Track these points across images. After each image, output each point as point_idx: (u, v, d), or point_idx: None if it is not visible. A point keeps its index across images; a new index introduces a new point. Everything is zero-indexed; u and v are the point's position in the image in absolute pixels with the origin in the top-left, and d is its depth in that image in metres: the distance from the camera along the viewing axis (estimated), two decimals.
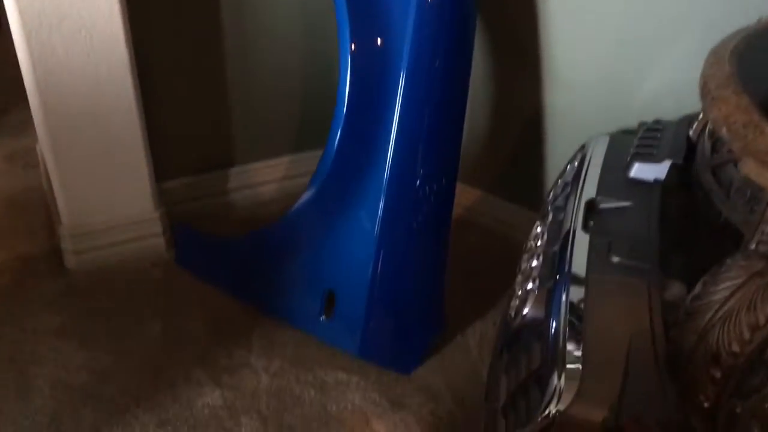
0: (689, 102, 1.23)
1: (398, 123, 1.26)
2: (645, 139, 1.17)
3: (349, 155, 1.32)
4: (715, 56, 0.85)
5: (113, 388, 1.28)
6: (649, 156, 1.12)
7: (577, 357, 0.82)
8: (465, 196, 1.69)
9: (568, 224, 1.05)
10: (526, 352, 0.95)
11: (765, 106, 0.78)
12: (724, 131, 0.75)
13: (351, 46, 1.27)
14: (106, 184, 1.51)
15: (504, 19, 1.52)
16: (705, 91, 0.80)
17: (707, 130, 0.91)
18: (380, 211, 1.27)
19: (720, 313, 0.73)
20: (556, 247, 1.04)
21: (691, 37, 1.24)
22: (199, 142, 1.71)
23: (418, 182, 1.29)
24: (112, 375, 1.31)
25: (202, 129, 1.71)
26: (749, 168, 0.70)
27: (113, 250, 1.56)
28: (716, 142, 0.87)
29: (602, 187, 1.10)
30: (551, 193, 1.31)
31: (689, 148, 1.11)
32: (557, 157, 1.51)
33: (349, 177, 1.32)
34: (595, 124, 1.36)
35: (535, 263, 1.07)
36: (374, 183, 1.28)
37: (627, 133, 1.32)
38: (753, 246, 0.73)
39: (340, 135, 1.30)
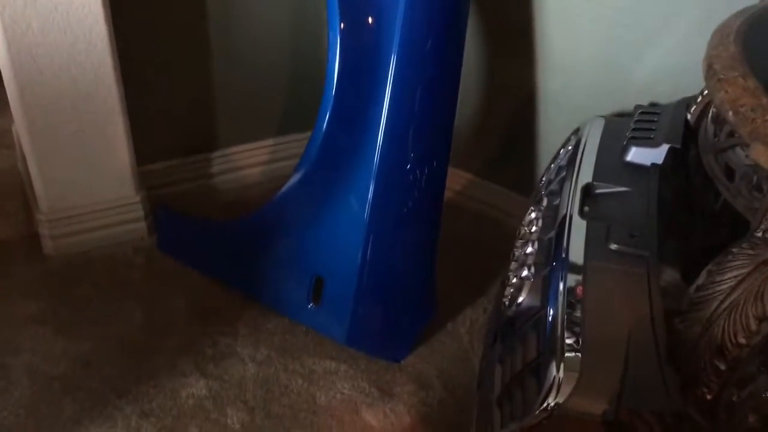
0: (685, 85, 1.21)
1: (389, 105, 1.22)
2: (641, 123, 1.14)
3: (337, 138, 1.28)
4: (719, 36, 0.82)
5: (94, 377, 1.24)
6: (646, 140, 1.10)
7: (576, 347, 0.80)
8: (456, 180, 1.66)
9: (564, 209, 1.02)
10: (522, 341, 0.93)
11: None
12: (730, 115, 0.73)
13: (340, 25, 1.23)
14: (85, 167, 1.46)
15: (497, 1, 1.48)
16: (710, 72, 0.77)
17: (711, 113, 0.88)
18: (370, 195, 1.23)
19: (726, 304, 0.71)
20: (552, 234, 1.01)
21: (687, 19, 1.21)
22: (181, 124, 1.66)
23: (408, 165, 1.26)
24: (93, 364, 1.27)
25: (184, 111, 1.66)
26: (758, 153, 0.68)
27: (93, 235, 1.52)
28: (720, 125, 0.84)
29: (598, 171, 1.07)
30: (544, 178, 1.29)
31: (687, 131, 1.09)
32: (550, 141, 1.48)
33: (337, 160, 1.28)
34: (590, 108, 1.33)
35: (530, 250, 1.04)
36: (364, 166, 1.24)
37: (622, 116, 1.30)
38: (759, 234, 0.71)
39: (329, 117, 1.26)
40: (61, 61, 1.33)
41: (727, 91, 0.74)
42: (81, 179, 1.47)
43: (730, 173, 0.81)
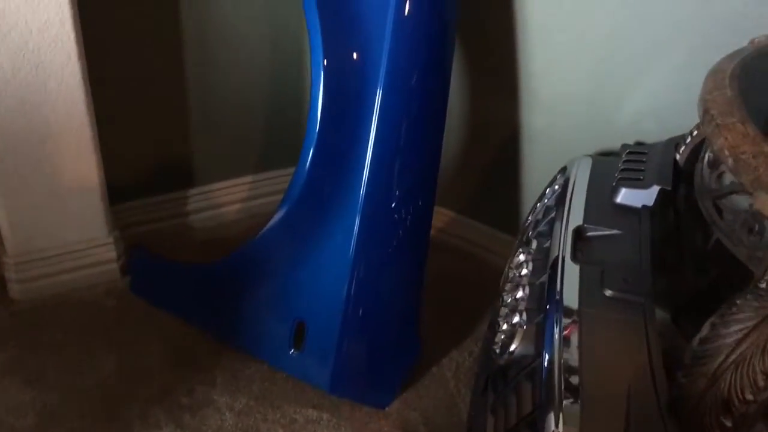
0: (671, 124, 1.20)
1: (374, 142, 1.19)
2: (630, 163, 1.13)
3: (321, 176, 1.24)
4: (714, 80, 0.81)
5: (63, 430, 1.17)
6: (635, 181, 1.08)
7: (574, 400, 0.76)
8: (439, 217, 1.64)
9: (556, 252, 1.00)
10: (516, 392, 0.89)
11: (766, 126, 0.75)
12: (731, 162, 0.71)
13: (323, 62, 1.20)
14: (54, 208, 1.40)
15: (481, 37, 1.47)
16: (707, 117, 0.76)
17: (707, 157, 0.87)
18: (354, 235, 1.20)
19: (731, 358, 0.68)
20: (544, 278, 0.98)
21: (672, 58, 1.21)
22: (156, 160, 1.62)
23: (394, 204, 1.23)
24: (62, 416, 1.20)
25: (160, 147, 1.61)
26: (763, 203, 0.66)
27: (63, 278, 1.45)
28: (717, 170, 0.83)
29: (589, 213, 1.05)
30: (530, 217, 1.26)
31: (676, 172, 1.07)
32: (535, 178, 1.47)
33: (321, 200, 1.24)
34: (574, 146, 1.32)
35: (521, 294, 1.01)
36: (348, 205, 1.21)
37: (608, 155, 1.29)
38: (764, 285, 0.68)
39: (312, 156, 1.22)
40: (32, 100, 1.28)
41: (726, 138, 0.72)
42: (50, 220, 1.41)
43: (730, 220, 0.79)
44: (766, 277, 0.69)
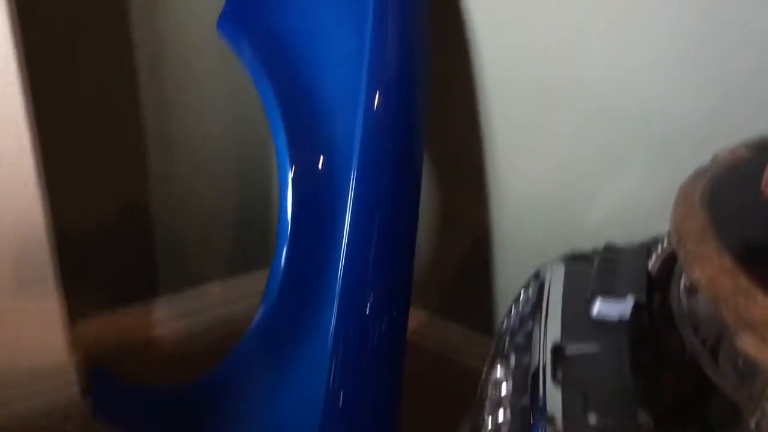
0: (639, 226, 1.22)
1: (346, 249, 1.17)
2: (602, 272, 1.12)
3: (292, 291, 1.21)
4: (684, 207, 0.81)
5: None
6: (609, 291, 1.08)
7: None
8: (413, 318, 1.60)
9: (535, 371, 0.98)
10: None
11: (742, 255, 0.74)
12: (709, 297, 0.70)
13: (291, 169, 1.19)
14: (8, 328, 1.33)
15: (448, 139, 1.48)
16: (682, 248, 0.75)
17: (683, 283, 0.86)
18: (329, 347, 1.16)
19: None
20: (526, 400, 0.96)
21: (638, 161, 1.23)
22: (118, 271, 1.56)
23: (368, 310, 1.21)
24: None
25: (122, 257, 1.56)
26: (747, 344, 0.65)
27: (18, 406, 1.37)
28: (694, 296, 0.82)
29: (566, 327, 1.04)
30: (505, 323, 1.25)
31: (649, 281, 1.07)
32: (507, 278, 1.46)
33: (292, 315, 1.21)
34: (544, 247, 1.32)
35: (502, 418, 0.98)
36: (322, 319, 1.18)
37: (581, 258, 1.29)
38: (753, 426, 0.67)
39: (283, 270, 1.20)
40: None
41: (703, 269, 0.71)
42: (5, 341, 1.34)
43: (711, 349, 0.77)
44: (755, 416, 0.67)
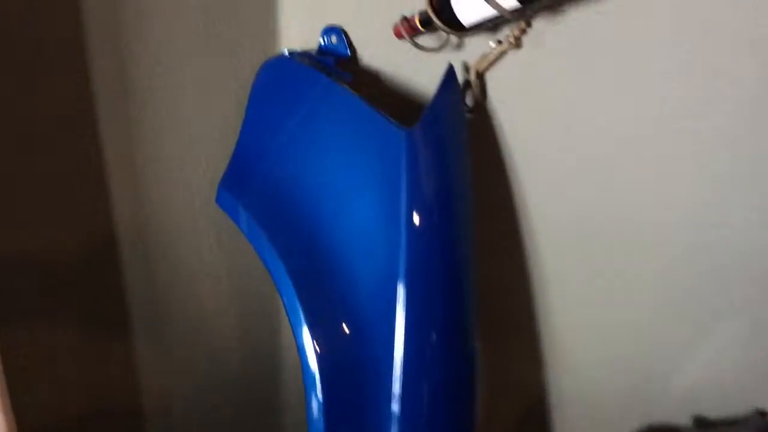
0: (736, 397, 1.02)
1: None
2: None
3: None
4: None
5: None
6: None
7: None
8: None
9: None
10: None
11: None
12: None
13: (315, 347, 1.01)
14: None
15: (494, 289, 1.27)
16: None
17: None
18: None
19: None
20: None
21: (732, 324, 1.03)
22: None
23: None
24: None
25: None
26: None
27: None
28: None
29: None
30: None
31: None
32: None
33: None
34: (612, 415, 1.12)
35: None
36: None
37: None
38: None
39: None
40: None
41: None
42: None
43: None
44: None
